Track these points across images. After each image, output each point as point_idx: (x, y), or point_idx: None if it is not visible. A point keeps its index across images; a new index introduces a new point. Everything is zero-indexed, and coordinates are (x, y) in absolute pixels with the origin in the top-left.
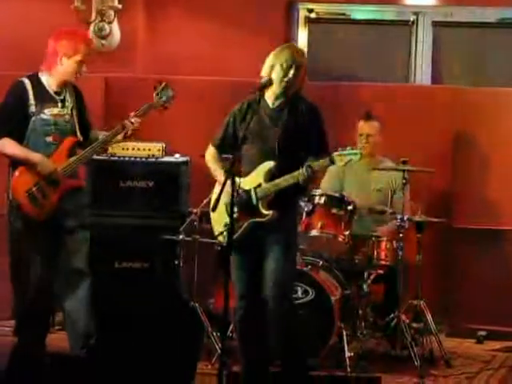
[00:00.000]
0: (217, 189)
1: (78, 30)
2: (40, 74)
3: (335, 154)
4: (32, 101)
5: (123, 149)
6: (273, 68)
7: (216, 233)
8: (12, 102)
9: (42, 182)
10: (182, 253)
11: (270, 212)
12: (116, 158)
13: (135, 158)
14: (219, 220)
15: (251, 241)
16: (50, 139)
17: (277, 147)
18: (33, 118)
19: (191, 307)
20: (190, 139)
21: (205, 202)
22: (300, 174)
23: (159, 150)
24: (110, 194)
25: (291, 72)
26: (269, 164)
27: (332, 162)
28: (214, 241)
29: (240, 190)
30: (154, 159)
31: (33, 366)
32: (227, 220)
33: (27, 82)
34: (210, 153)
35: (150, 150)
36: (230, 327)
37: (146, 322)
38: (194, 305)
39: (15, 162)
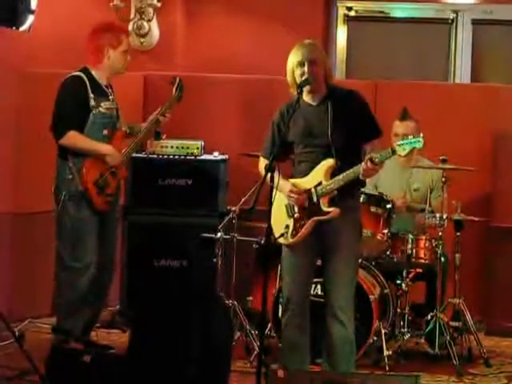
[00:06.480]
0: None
1: (114, 22)
2: (90, 69)
3: (396, 143)
4: (91, 94)
5: (162, 147)
6: (292, 69)
7: (277, 234)
8: (75, 96)
9: (107, 172)
10: (220, 251)
11: (332, 209)
12: (155, 157)
13: (174, 156)
14: (280, 220)
15: (309, 243)
16: (105, 132)
17: (331, 142)
18: (93, 112)
19: (223, 306)
20: (227, 137)
21: (243, 199)
22: (361, 167)
23: (198, 149)
24: (149, 192)
25: (306, 69)
26: (328, 162)
27: (394, 153)
28: (252, 239)
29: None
30: (192, 157)
31: (72, 362)
32: (288, 222)
33: (84, 76)
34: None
35: (188, 148)
36: (269, 325)
37: (181, 321)
38: (232, 303)
39: (72, 154)
